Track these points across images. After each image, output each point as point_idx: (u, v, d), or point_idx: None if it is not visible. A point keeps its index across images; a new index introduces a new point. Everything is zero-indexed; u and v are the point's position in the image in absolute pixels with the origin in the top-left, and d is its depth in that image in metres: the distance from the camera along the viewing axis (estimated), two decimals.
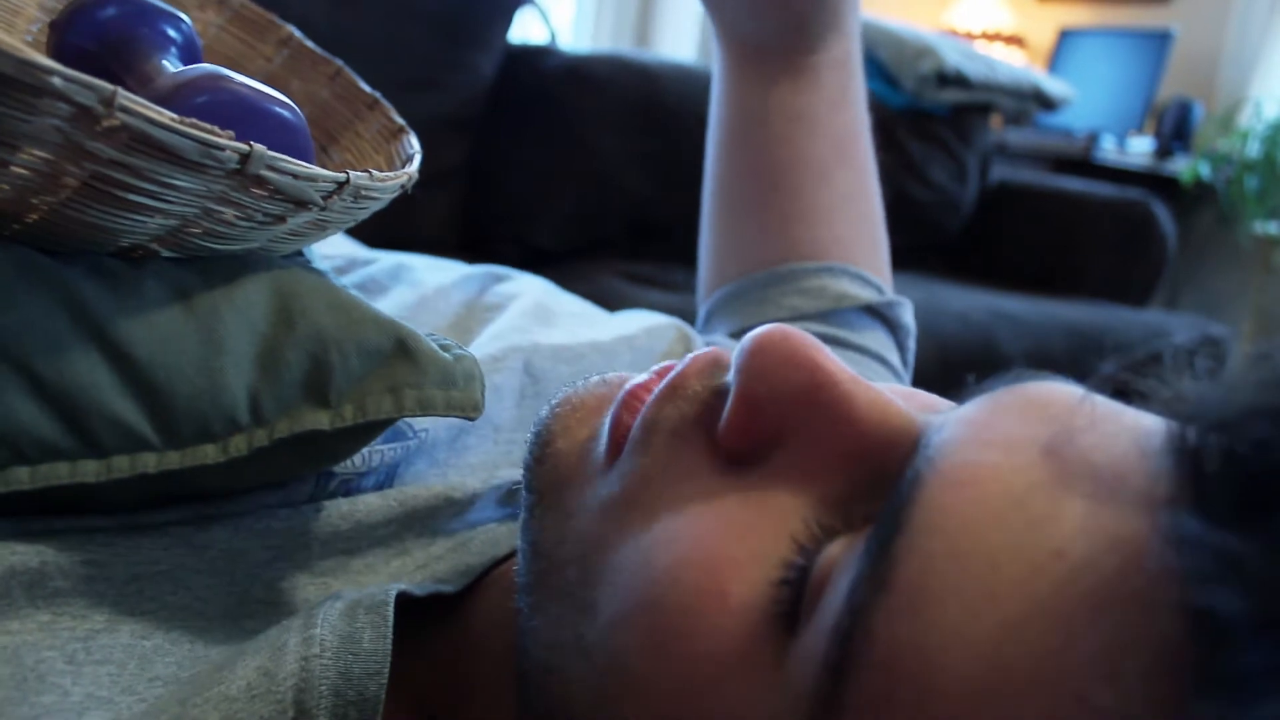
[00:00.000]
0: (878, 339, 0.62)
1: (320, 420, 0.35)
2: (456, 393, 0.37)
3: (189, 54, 0.41)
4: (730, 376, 0.32)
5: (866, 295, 0.62)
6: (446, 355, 0.38)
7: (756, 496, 0.29)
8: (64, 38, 0.39)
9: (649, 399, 0.33)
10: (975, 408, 0.28)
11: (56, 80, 0.25)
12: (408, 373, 0.36)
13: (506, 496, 0.44)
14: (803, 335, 0.30)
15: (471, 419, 0.38)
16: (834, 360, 0.30)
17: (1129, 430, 0.26)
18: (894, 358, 0.63)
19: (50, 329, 0.31)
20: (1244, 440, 0.22)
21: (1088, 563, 0.23)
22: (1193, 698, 0.20)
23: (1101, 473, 0.24)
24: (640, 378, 0.35)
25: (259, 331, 0.35)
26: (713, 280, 0.67)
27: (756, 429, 0.30)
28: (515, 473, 0.45)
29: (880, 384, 0.32)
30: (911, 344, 0.65)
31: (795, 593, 0.27)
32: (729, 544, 0.28)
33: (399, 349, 0.37)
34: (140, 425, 0.33)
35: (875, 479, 0.28)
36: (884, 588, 0.24)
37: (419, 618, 0.38)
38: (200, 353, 0.34)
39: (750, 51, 0.62)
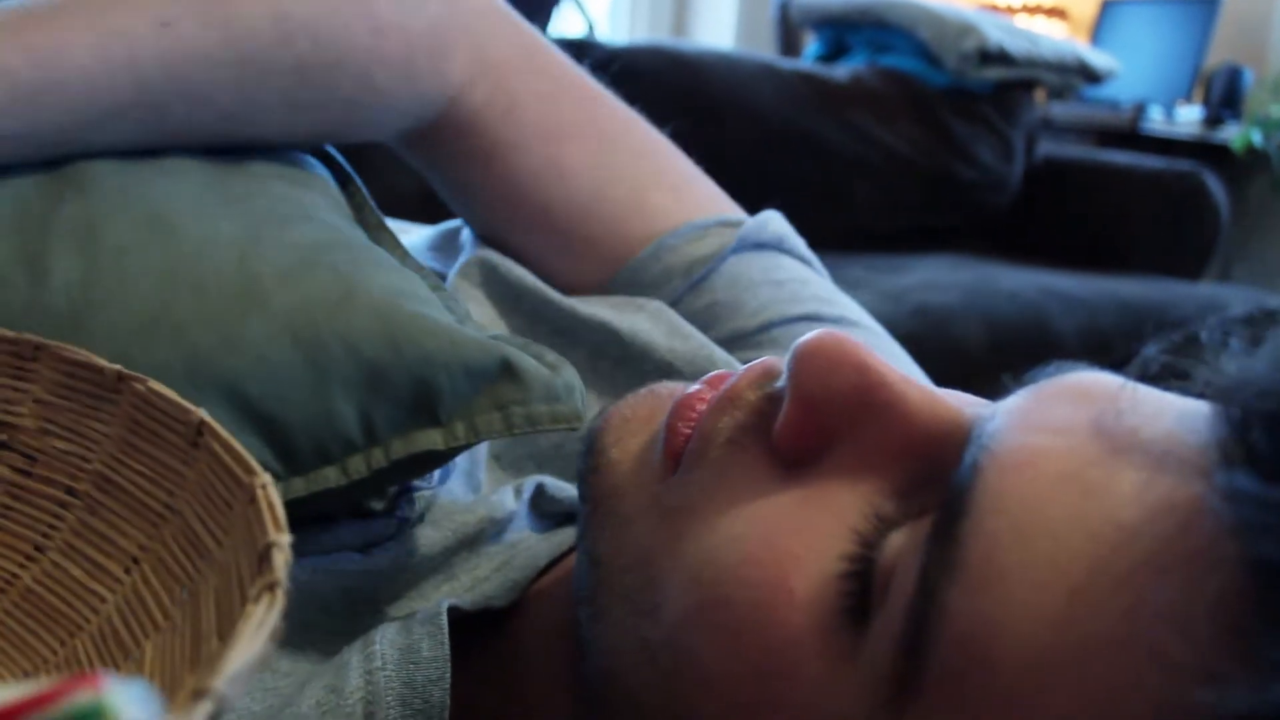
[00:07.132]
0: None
1: (434, 440, 0.37)
2: (561, 406, 0.39)
3: None
4: (783, 381, 0.33)
5: (723, 239, 0.55)
6: (547, 370, 0.39)
7: (815, 494, 0.31)
8: None
9: (704, 409, 0.34)
10: (1021, 398, 0.30)
11: None
12: (514, 390, 0.38)
13: (536, 500, 0.46)
14: (852, 339, 0.32)
15: (575, 430, 0.39)
16: (884, 361, 0.32)
17: (1171, 408, 0.27)
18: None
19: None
20: None
21: (1146, 527, 0.24)
22: (1259, 641, 0.21)
23: (1150, 445, 0.26)
24: (691, 387, 0.35)
25: (366, 358, 0.36)
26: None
27: (812, 429, 0.31)
28: (538, 475, 0.46)
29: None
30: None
31: (862, 584, 0.28)
32: (791, 541, 0.29)
33: (504, 369, 0.38)
34: (263, 456, 0.34)
35: (930, 471, 0.29)
36: (953, 568, 0.26)
37: (468, 636, 0.39)
38: (309, 380, 0.35)
39: (412, 139, 0.54)
